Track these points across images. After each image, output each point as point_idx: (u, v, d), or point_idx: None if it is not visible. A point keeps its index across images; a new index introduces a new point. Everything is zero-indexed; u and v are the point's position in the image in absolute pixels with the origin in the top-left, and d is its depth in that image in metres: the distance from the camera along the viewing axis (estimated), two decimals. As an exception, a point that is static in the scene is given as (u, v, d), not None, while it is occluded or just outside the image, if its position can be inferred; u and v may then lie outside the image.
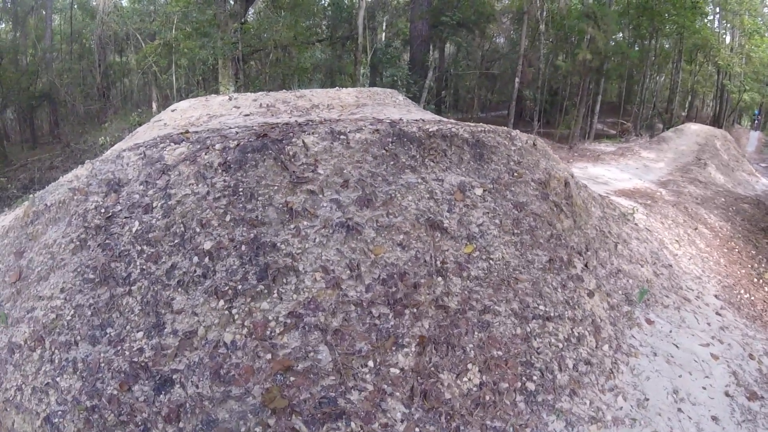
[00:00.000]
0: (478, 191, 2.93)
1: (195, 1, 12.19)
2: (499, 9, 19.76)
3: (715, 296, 4.47)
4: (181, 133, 2.95)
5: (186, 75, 15.81)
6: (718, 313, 4.06)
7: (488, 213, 2.82)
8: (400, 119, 3.56)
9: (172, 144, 2.81)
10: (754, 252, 6.69)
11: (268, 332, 1.98)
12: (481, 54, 21.80)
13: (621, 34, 20.41)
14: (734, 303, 4.55)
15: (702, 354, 3.23)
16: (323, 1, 17.94)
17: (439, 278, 2.30)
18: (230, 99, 5.11)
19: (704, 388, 2.83)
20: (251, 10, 14.59)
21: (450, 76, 20.18)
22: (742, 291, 5.02)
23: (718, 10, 23.79)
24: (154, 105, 15.13)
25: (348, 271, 2.13)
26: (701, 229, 6.16)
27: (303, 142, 2.70)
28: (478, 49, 21.27)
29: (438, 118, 4.67)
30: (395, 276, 2.19)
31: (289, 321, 2.02)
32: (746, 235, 7.33)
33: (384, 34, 20.13)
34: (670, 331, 3.34)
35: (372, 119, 3.42)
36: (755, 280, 5.64)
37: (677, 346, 3.19)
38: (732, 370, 3.14)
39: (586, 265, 3.13)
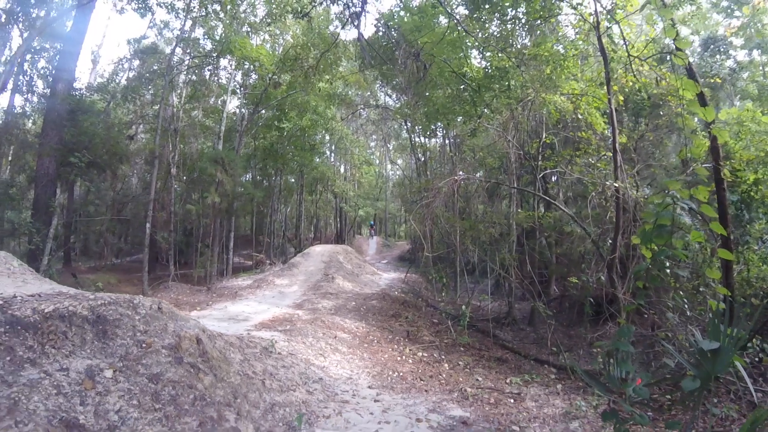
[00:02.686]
0: (108, 373, 3.31)
1: None
2: (132, 149, 21.36)
3: (369, 387, 6.31)
4: None
5: None
6: (376, 401, 5.78)
7: (124, 395, 3.24)
8: (14, 297, 3.62)
9: None
10: (390, 336, 9.61)
11: None
12: (112, 196, 22.69)
13: (249, 175, 25.84)
14: (387, 385, 6.54)
15: (373, 442, 4.65)
16: None
17: None
18: None
19: None
20: None
21: (78, 220, 19.39)
22: (391, 372, 7.23)
23: (333, 147, 34.17)
24: None
25: None
26: (340, 335, 8.43)
27: None
28: (110, 190, 22.27)
29: (57, 289, 4.77)
30: None
31: None
32: (380, 325, 10.41)
33: (9, 167, 18.23)
34: (339, 436, 4.65)
35: None
36: (398, 358, 8.18)
37: (349, 449, 4.49)
38: None
39: (238, 414, 4.01)
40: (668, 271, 5.95)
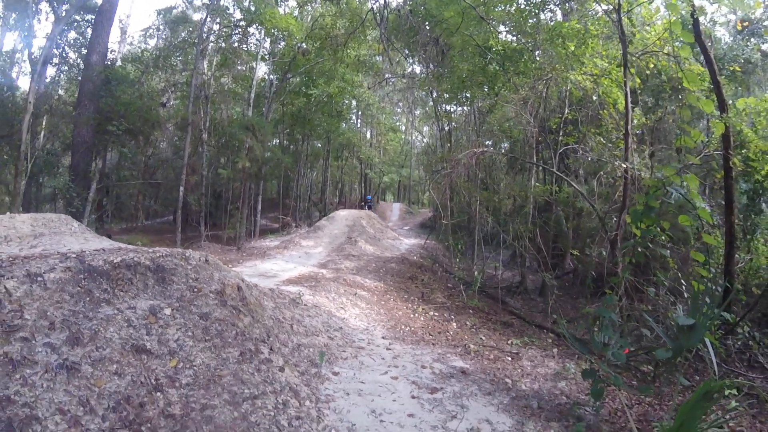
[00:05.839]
0: (167, 311, 4.15)
1: None
2: (164, 116, 22.75)
3: (383, 337, 7.14)
4: None
5: None
6: (388, 349, 6.60)
7: (181, 328, 4.08)
8: (83, 251, 4.41)
9: None
10: (406, 296, 10.42)
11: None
12: (144, 161, 24.03)
13: (276, 140, 26.75)
14: (399, 337, 7.36)
15: (384, 380, 5.41)
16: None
17: (158, 393, 3.36)
18: None
19: (394, 401, 4.86)
20: None
21: (112, 184, 20.77)
22: (403, 326, 8.05)
23: (360, 114, 34.71)
24: None
25: (81, 408, 2.86)
26: (360, 292, 9.27)
27: (5, 287, 3.31)
28: (142, 155, 23.53)
29: (117, 245, 5.67)
30: (122, 401, 3.07)
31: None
32: (397, 286, 11.23)
33: (42, 135, 19.73)
34: (354, 374, 5.43)
35: (58, 255, 4.15)
36: (411, 315, 9.01)
37: (363, 382, 5.25)
38: (411, 380, 5.40)
39: (271, 349, 4.85)
40: (656, 249, 6.57)
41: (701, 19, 8.62)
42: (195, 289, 4.72)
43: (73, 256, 4.31)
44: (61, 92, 23.08)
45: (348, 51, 18.12)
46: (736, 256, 8.25)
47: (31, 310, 3.44)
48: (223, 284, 5.02)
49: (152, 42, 28.90)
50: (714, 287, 5.87)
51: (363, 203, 33.32)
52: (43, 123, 20.07)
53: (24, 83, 28.07)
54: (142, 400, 3.27)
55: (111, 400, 3.11)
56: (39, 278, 3.75)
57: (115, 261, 4.40)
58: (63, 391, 2.97)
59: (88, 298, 3.92)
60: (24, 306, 3.45)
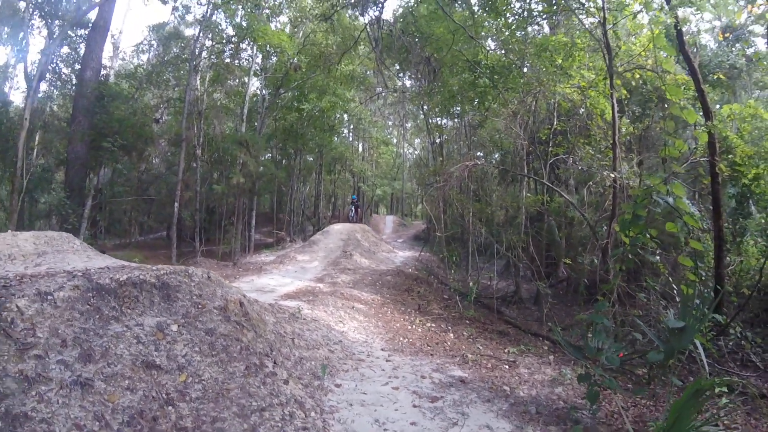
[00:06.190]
0: (174, 327, 4.27)
1: None
2: (157, 131, 22.87)
3: (382, 349, 7.26)
4: None
5: None
6: (387, 360, 6.73)
7: (188, 344, 4.20)
8: (88, 270, 4.53)
9: None
10: (403, 308, 10.55)
11: None
12: (137, 177, 24.07)
13: (269, 154, 26.92)
14: (397, 349, 7.48)
15: (386, 391, 5.53)
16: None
17: (170, 407, 3.47)
18: None
19: (396, 410, 4.97)
20: None
21: (105, 200, 20.87)
22: (402, 338, 8.18)
23: (351, 127, 34.89)
24: None
25: (97, 423, 2.96)
26: (357, 305, 9.40)
27: (17, 306, 3.42)
28: (135, 171, 23.62)
29: (120, 263, 5.78)
30: (136, 416, 3.18)
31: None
32: (394, 298, 11.36)
33: (36, 151, 19.92)
34: (356, 386, 5.55)
35: (65, 273, 4.26)
36: (409, 327, 9.14)
37: (365, 393, 5.37)
38: (412, 390, 5.54)
39: (275, 362, 4.96)
40: (645, 256, 6.76)
41: (685, 28, 8.92)
42: (199, 306, 4.84)
43: (80, 274, 4.43)
44: (54, 107, 23.12)
45: (341, 67, 18.38)
46: (727, 258, 8.47)
47: (43, 328, 3.55)
48: (226, 300, 5.14)
49: (144, 57, 29.13)
50: (704, 290, 6.06)
51: (350, 204, 31.87)
52: (36, 139, 20.13)
53: (15, 98, 28.15)
54: (155, 414, 3.39)
55: (125, 414, 3.23)
56: (49, 297, 3.86)
57: (121, 279, 4.51)
58: (78, 406, 3.08)
59: (97, 316, 4.03)
60: (36, 324, 3.55)
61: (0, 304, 3.51)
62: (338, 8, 10.05)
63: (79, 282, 4.19)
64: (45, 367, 3.25)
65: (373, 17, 8.09)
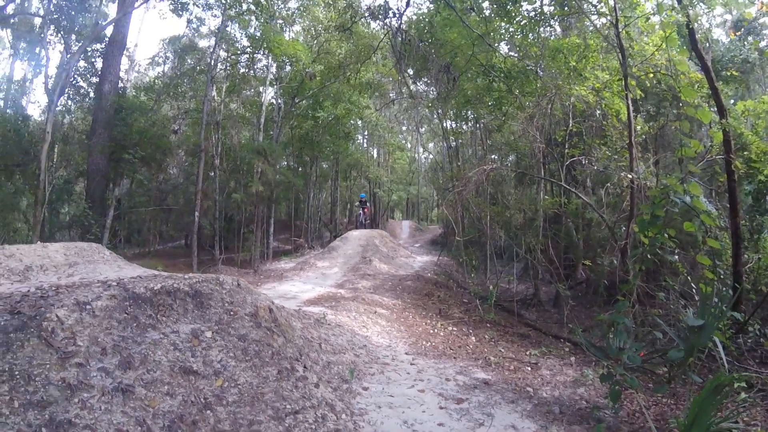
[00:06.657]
0: (208, 334, 4.48)
1: None
2: (174, 142, 23.48)
3: (406, 353, 7.41)
4: None
5: None
6: (412, 364, 6.88)
7: (222, 349, 4.40)
8: (121, 279, 4.74)
9: None
10: (424, 312, 10.69)
11: None
12: (156, 187, 24.63)
13: (285, 162, 27.34)
14: (421, 352, 7.63)
15: (412, 393, 5.68)
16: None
17: (208, 411, 3.68)
18: None
19: (423, 412, 5.12)
20: None
21: (125, 210, 21.40)
22: (424, 342, 8.33)
23: (367, 134, 35.21)
24: None
25: (139, 428, 3.13)
26: (379, 310, 9.57)
27: (57, 316, 3.59)
28: (154, 181, 24.21)
29: (150, 272, 6.00)
30: (176, 420, 3.37)
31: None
32: (415, 303, 11.49)
33: (55, 163, 20.49)
34: (383, 389, 5.71)
35: (100, 283, 4.45)
36: (431, 331, 9.27)
37: (392, 396, 5.52)
38: (437, 393, 5.68)
39: (305, 367, 5.15)
40: (664, 256, 6.82)
41: (696, 25, 8.95)
42: (231, 312, 5.04)
43: (115, 284, 4.63)
44: (72, 120, 23.70)
45: (358, 74, 18.64)
46: (744, 256, 8.47)
47: (83, 337, 3.72)
48: (256, 307, 5.34)
49: (159, 69, 29.73)
50: (723, 288, 6.11)
51: (358, 205, 30.36)
52: (56, 151, 20.65)
53: (33, 111, 28.87)
54: (195, 419, 3.57)
55: (165, 419, 3.42)
56: (87, 306, 4.05)
57: (155, 288, 4.71)
58: (120, 412, 3.26)
59: (135, 324, 4.23)
60: (76, 333, 3.73)
61: (40, 315, 3.66)
62: (357, 20, 10.24)
63: (116, 291, 4.40)
64: (86, 375, 3.41)
65: (393, 27, 8.26)
